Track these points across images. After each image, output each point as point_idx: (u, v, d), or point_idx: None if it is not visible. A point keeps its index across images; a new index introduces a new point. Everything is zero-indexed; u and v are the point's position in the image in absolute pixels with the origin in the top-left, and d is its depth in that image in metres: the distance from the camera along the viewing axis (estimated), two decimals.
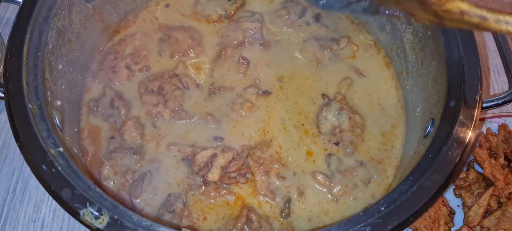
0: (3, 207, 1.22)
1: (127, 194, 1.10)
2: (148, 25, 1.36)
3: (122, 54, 1.29)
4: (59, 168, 0.86)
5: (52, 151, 0.88)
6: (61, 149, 0.90)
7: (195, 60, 1.30)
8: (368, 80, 1.29)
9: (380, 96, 1.27)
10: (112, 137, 1.18)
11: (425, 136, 1.05)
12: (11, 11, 1.53)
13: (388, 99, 1.26)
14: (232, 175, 1.13)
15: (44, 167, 0.85)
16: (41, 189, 1.22)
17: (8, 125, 1.30)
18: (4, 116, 1.35)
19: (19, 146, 0.88)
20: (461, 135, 0.93)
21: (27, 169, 1.26)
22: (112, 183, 1.11)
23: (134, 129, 1.17)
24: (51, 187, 0.84)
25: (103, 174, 1.12)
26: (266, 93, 1.24)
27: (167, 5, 1.40)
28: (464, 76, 1.00)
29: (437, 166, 0.91)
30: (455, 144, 0.92)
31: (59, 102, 1.05)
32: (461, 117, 0.95)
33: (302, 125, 1.21)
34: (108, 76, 1.25)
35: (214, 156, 1.13)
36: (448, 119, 0.97)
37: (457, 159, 0.91)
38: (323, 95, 1.26)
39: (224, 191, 1.11)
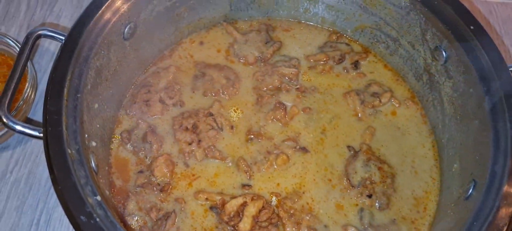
0: None
1: None
2: (183, 61, 1.35)
3: (156, 87, 1.28)
4: (98, 220, 0.84)
5: (90, 200, 0.87)
6: (98, 198, 0.88)
7: (229, 101, 1.29)
8: (405, 140, 1.27)
9: (415, 159, 1.23)
10: (141, 171, 1.17)
11: (466, 198, 1.02)
12: (48, 43, 1.53)
13: (423, 163, 1.23)
14: (263, 224, 1.10)
15: (83, 218, 0.84)
16: (65, 222, 1.23)
17: (34, 154, 1.31)
18: (31, 145, 1.34)
19: (58, 195, 0.86)
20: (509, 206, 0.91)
21: (52, 201, 1.26)
22: (135, 219, 1.10)
23: (165, 166, 1.16)
24: None
25: (128, 209, 1.11)
26: (304, 150, 1.22)
27: (202, 43, 1.39)
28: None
29: None
30: (503, 216, 0.89)
31: (94, 144, 1.04)
32: (507, 186, 0.93)
33: (329, 180, 1.19)
34: (142, 110, 1.24)
35: (244, 204, 1.11)
36: (494, 185, 0.94)
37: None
38: (348, 147, 1.24)
39: None
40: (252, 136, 1.23)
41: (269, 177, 1.18)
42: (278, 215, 1.12)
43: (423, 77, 1.30)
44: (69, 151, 0.91)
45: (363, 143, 1.24)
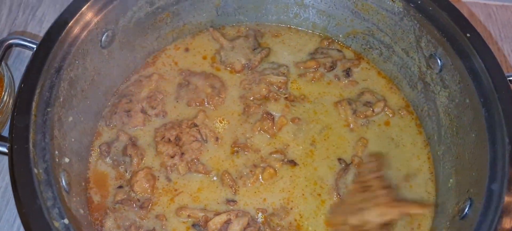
0: None
1: None
2: (166, 69, 1.30)
3: (138, 96, 1.22)
4: None
5: (57, 224, 0.81)
6: (66, 221, 0.82)
7: (214, 111, 1.23)
8: (399, 151, 1.21)
9: (409, 172, 1.17)
10: (120, 186, 1.11)
11: (462, 218, 0.96)
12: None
13: (418, 177, 1.17)
14: None
15: None
16: None
17: None
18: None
19: (21, 218, 0.81)
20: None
21: None
22: None
23: (146, 181, 1.10)
24: None
25: (105, 227, 1.05)
26: (292, 163, 1.16)
27: (187, 49, 1.33)
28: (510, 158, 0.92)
29: None
30: None
31: (67, 160, 0.98)
32: (505, 206, 0.87)
33: (319, 194, 1.13)
34: (122, 120, 1.19)
35: (228, 221, 1.05)
36: (491, 205, 0.88)
37: None
38: (339, 159, 1.18)
39: None
40: (237, 148, 1.17)
41: (255, 192, 1.12)
42: None
43: (417, 86, 1.24)
44: (36, 171, 0.85)
45: (355, 155, 1.18)
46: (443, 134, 1.16)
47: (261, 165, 1.15)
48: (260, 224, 1.07)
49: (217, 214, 1.06)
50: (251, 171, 1.14)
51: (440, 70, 1.13)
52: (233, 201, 1.10)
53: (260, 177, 1.13)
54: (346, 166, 1.16)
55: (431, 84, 1.18)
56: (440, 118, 1.17)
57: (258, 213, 1.09)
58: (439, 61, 1.13)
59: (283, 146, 1.19)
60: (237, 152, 1.17)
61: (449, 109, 1.13)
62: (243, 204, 1.10)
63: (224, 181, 1.12)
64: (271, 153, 1.17)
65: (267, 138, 1.20)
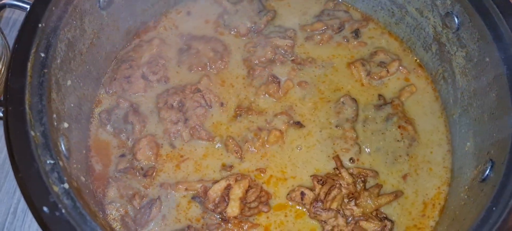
0: (3, 230, 1.11)
1: (132, 222, 0.98)
2: (168, 34, 1.24)
3: (138, 62, 1.17)
4: (63, 211, 0.74)
5: (56, 189, 0.77)
6: (66, 186, 0.78)
7: (217, 75, 1.17)
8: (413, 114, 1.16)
9: (430, 135, 1.13)
10: (123, 155, 1.07)
11: (483, 180, 0.91)
12: (19, 12, 1.41)
13: (437, 156, 1.11)
14: (252, 204, 1.01)
15: (45, 209, 0.73)
16: None
17: None
18: None
19: (18, 183, 0.76)
20: None
21: None
22: (116, 207, 1.00)
23: (149, 148, 1.06)
24: None
25: (108, 196, 1.01)
26: (299, 125, 1.11)
27: (189, 13, 1.27)
28: None
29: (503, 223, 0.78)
30: None
31: (66, 125, 0.93)
32: None
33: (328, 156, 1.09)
34: (122, 87, 1.14)
35: (228, 187, 1.01)
36: None
37: None
38: (379, 95, 1.17)
39: (247, 225, 0.99)
40: (240, 112, 1.12)
41: (262, 156, 1.08)
42: (267, 192, 1.03)
43: (432, 48, 1.18)
44: (33, 134, 0.80)
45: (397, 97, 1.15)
46: (459, 97, 1.10)
47: (267, 128, 1.10)
48: (262, 184, 1.03)
49: (215, 182, 1.02)
50: (256, 135, 1.09)
51: (457, 29, 1.07)
52: (229, 166, 1.06)
53: (266, 140, 1.09)
54: (384, 102, 1.13)
55: (447, 44, 1.12)
56: (456, 80, 1.11)
57: (260, 173, 1.05)
58: (456, 19, 1.07)
59: (288, 108, 1.14)
60: (240, 115, 1.12)
61: (467, 70, 1.07)
62: (239, 168, 1.06)
63: (228, 146, 1.07)
64: (276, 115, 1.12)
65: (272, 102, 1.14)
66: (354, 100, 1.13)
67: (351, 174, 1.03)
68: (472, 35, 1.03)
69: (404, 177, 1.06)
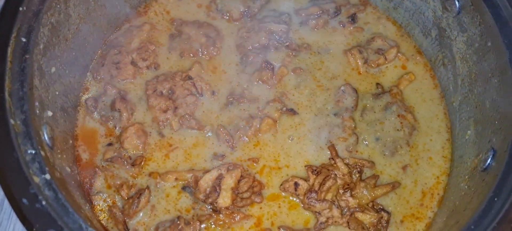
0: None
1: (120, 212, 0.95)
2: (158, 19, 1.19)
3: (128, 48, 1.13)
4: (44, 203, 0.71)
5: (37, 180, 0.73)
6: (47, 176, 0.74)
7: (209, 61, 1.14)
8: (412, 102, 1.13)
9: (430, 123, 1.10)
10: (110, 144, 1.03)
11: (484, 169, 0.88)
12: None
13: (437, 144, 1.08)
14: (245, 195, 0.98)
15: (25, 201, 0.70)
16: None
17: None
18: None
19: None
20: None
21: None
22: (103, 198, 0.97)
23: (136, 137, 1.02)
24: (33, 227, 0.68)
25: (95, 186, 0.99)
26: (292, 112, 1.07)
27: None
28: None
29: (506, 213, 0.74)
30: None
31: (50, 113, 0.89)
32: None
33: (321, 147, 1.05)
34: (111, 73, 1.10)
35: (219, 177, 0.97)
36: None
37: None
38: (377, 84, 1.13)
39: (239, 216, 0.96)
40: (232, 99, 1.08)
41: (254, 145, 1.04)
42: (260, 182, 0.99)
43: (431, 33, 1.14)
44: (13, 122, 0.76)
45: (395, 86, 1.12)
46: (459, 83, 1.07)
47: (259, 115, 1.06)
48: (255, 174, 1.00)
49: (207, 171, 0.98)
50: (247, 123, 1.05)
51: (458, 13, 1.03)
52: (221, 155, 1.02)
53: (258, 129, 1.05)
54: (382, 91, 1.10)
55: (447, 29, 1.08)
56: (456, 66, 1.07)
57: (253, 163, 1.02)
58: (456, 2, 1.03)
59: (281, 95, 1.10)
60: (232, 103, 1.08)
61: (467, 56, 1.03)
62: (231, 157, 1.02)
63: (219, 136, 1.04)
64: (268, 102, 1.08)
65: (266, 89, 1.11)
66: (355, 90, 1.10)
67: (346, 164, 1.00)
68: (473, 19, 0.99)
69: (404, 167, 1.03)
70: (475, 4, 0.98)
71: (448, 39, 1.09)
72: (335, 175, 0.98)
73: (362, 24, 1.21)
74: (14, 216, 1.08)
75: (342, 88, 1.09)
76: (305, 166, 1.01)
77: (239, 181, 0.97)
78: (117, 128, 1.04)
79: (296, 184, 0.98)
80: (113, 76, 1.09)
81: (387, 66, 1.15)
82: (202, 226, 0.94)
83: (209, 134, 1.05)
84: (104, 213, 0.96)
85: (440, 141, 1.07)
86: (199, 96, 1.08)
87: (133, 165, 1.00)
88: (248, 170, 1.01)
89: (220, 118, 1.07)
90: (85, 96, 1.08)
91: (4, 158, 0.73)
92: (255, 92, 1.10)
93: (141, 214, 0.96)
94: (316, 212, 0.96)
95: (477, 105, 1.00)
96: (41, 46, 0.89)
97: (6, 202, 1.07)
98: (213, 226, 0.95)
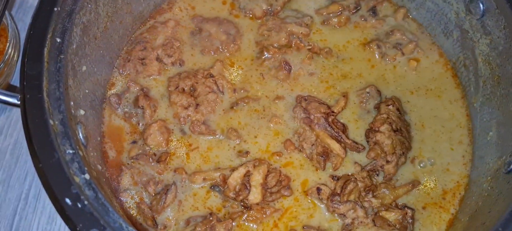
0: (14, 216, 1.10)
1: (148, 209, 0.97)
2: (183, 15, 1.20)
3: (153, 44, 1.14)
4: (86, 202, 0.72)
5: (77, 179, 0.74)
6: (86, 176, 0.76)
7: (229, 58, 1.15)
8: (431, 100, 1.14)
9: (443, 124, 1.11)
10: (134, 141, 1.05)
11: (508, 172, 0.90)
12: None
13: (456, 145, 1.09)
14: (274, 189, 1.00)
15: (68, 201, 0.71)
16: None
17: (20, 123, 1.18)
18: (17, 113, 1.21)
19: (39, 174, 0.74)
20: None
21: None
22: (131, 195, 0.99)
23: (159, 134, 1.04)
24: (77, 227, 0.70)
25: (122, 184, 1.00)
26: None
27: None
28: None
29: None
30: None
31: (82, 112, 0.91)
32: None
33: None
34: (136, 69, 1.11)
35: (247, 174, 0.99)
36: None
37: None
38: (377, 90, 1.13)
39: (269, 211, 0.98)
40: (244, 94, 1.10)
41: (268, 141, 1.06)
42: (286, 175, 1.01)
43: (453, 34, 1.15)
44: (52, 122, 0.78)
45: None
46: (481, 85, 1.08)
47: (271, 111, 1.09)
48: (280, 168, 1.02)
49: (234, 169, 1.00)
50: (261, 117, 1.08)
51: (482, 15, 1.04)
52: (246, 152, 1.04)
53: (270, 124, 1.07)
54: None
55: (470, 31, 1.09)
56: (478, 68, 1.09)
57: (276, 156, 1.04)
58: (481, 5, 1.04)
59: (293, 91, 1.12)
60: (248, 102, 1.10)
61: (490, 58, 1.04)
62: (256, 153, 1.04)
63: (230, 137, 1.05)
64: (274, 100, 1.10)
65: (279, 86, 1.12)
66: (379, 92, 1.11)
67: (363, 168, 1.02)
68: (498, 22, 1.00)
69: (423, 166, 1.04)
70: (500, 7, 0.99)
71: (470, 41, 1.10)
72: (355, 178, 0.99)
73: (382, 16, 1.22)
74: (39, 210, 1.10)
75: (368, 89, 1.11)
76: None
77: (266, 176, 0.99)
78: (140, 125, 1.06)
79: (318, 189, 0.99)
80: (138, 72, 1.10)
81: (399, 61, 1.16)
82: (233, 223, 0.95)
83: (221, 137, 1.06)
84: (133, 210, 0.98)
85: (460, 142, 1.09)
86: (220, 94, 1.10)
87: (158, 161, 1.01)
88: (273, 165, 1.03)
89: (238, 114, 1.09)
90: (110, 92, 1.09)
91: (46, 159, 0.74)
92: (268, 89, 1.12)
93: (169, 210, 0.97)
94: (341, 214, 0.98)
95: (500, 107, 1.01)
96: (74, 46, 0.90)
97: (31, 196, 1.12)
98: (246, 223, 0.96)
